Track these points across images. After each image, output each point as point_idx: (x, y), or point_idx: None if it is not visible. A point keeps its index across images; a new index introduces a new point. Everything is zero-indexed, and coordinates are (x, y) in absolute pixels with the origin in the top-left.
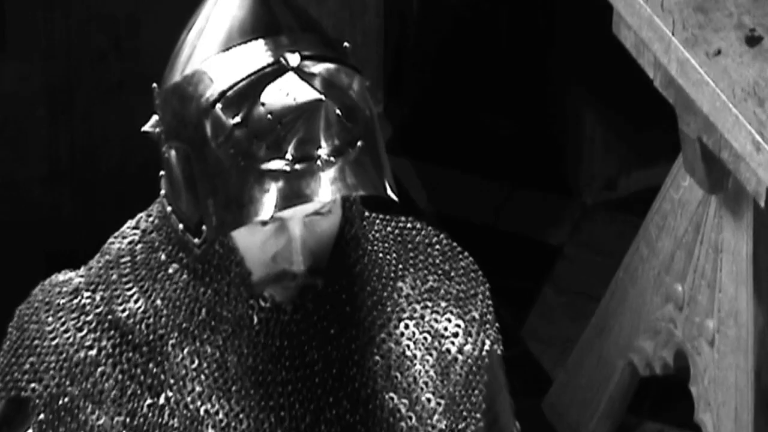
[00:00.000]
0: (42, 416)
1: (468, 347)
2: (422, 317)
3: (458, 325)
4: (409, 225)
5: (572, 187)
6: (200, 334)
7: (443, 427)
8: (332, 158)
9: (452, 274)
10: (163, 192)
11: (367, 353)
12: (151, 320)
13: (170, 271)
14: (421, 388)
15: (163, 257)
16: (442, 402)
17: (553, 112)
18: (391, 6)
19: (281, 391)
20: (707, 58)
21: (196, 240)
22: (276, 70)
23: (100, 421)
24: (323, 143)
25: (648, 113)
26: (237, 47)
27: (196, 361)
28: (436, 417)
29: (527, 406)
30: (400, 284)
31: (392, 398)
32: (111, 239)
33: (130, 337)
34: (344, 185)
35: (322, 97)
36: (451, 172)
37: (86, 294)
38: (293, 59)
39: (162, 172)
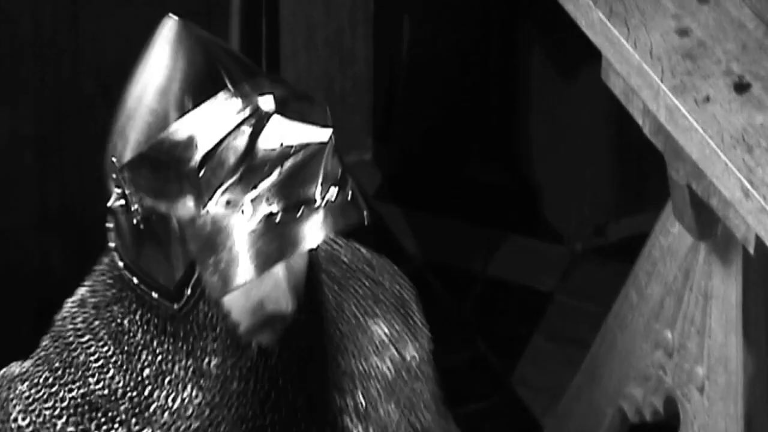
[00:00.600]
0: None
1: (407, 359)
2: (365, 331)
3: (392, 334)
4: (341, 246)
5: (562, 234)
6: (185, 393)
7: None
8: (336, 194)
9: (385, 283)
10: (120, 264)
11: (345, 384)
12: (135, 392)
13: (143, 340)
14: (379, 403)
15: (130, 327)
16: (394, 411)
17: (542, 160)
18: (380, 54)
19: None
20: (696, 105)
21: (175, 305)
22: (258, 119)
23: None
24: (324, 183)
25: (637, 160)
26: (202, 105)
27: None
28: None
29: None
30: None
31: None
32: (58, 320)
33: (114, 413)
34: (342, 219)
35: (329, 134)
36: (441, 219)
37: (52, 380)
38: (268, 103)
39: (112, 244)
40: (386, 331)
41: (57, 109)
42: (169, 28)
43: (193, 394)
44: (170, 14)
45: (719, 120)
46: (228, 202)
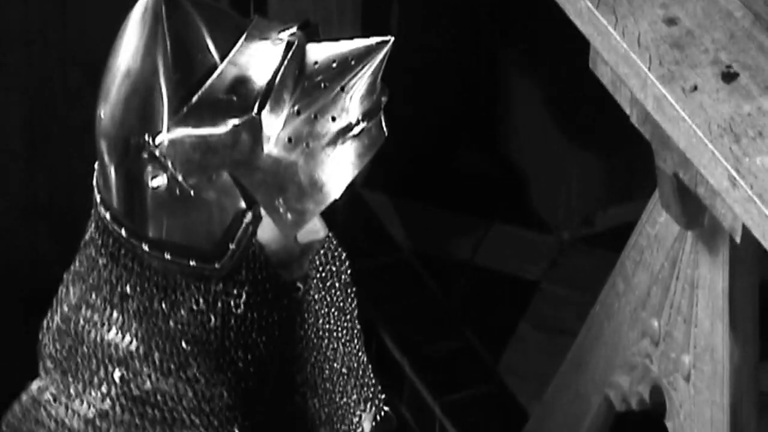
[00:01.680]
0: None
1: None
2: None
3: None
4: None
5: (549, 223)
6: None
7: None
8: (384, 101)
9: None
10: (145, 248)
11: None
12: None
13: (182, 314)
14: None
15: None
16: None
17: (530, 149)
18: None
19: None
20: (683, 95)
21: (216, 265)
22: (297, 50)
23: None
24: (379, 92)
25: (624, 149)
26: (229, 55)
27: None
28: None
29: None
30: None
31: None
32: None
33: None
34: (382, 133)
35: (387, 37)
36: (429, 208)
37: (74, 390)
38: (293, 31)
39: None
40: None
41: (45, 98)
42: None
43: (240, 360)
44: None
45: (706, 109)
46: (290, 139)
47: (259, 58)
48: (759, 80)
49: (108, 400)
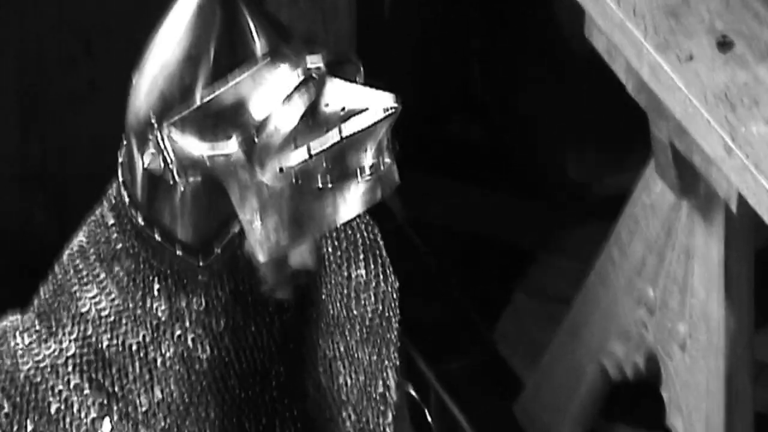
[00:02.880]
0: None
1: (378, 297)
2: (347, 278)
3: (368, 277)
4: None
5: (545, 191)
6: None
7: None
8: (387, 162)
9: (354, 224)
10: (140, 220)
11: (337, 332)
12: (149, 347)
13: (156, 294)
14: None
15: (141, 282)
16: (371, 353)
17: (526, 117)
18: (363, 9)
19: (274, 384)
20: (679, 63)
21: (200, 261)
22: (313, 83)
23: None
24: (379, 150)
25: (620, 118)
26: (249, 70)
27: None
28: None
29: (498, 410)
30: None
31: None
32: (58, 272)
33: (129, 368)
34: (387, 185)
35: (394, 100)
36: (423, 176)
37: (61, 334)
38: (317, 64)
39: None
40: (363, 274)
41: (39, 65)
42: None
43: (206, 348)
44: None
45: (702, 78)
46: (281, 169)
47: (275, 81)
48: (755, 49)
49: (66, 354)
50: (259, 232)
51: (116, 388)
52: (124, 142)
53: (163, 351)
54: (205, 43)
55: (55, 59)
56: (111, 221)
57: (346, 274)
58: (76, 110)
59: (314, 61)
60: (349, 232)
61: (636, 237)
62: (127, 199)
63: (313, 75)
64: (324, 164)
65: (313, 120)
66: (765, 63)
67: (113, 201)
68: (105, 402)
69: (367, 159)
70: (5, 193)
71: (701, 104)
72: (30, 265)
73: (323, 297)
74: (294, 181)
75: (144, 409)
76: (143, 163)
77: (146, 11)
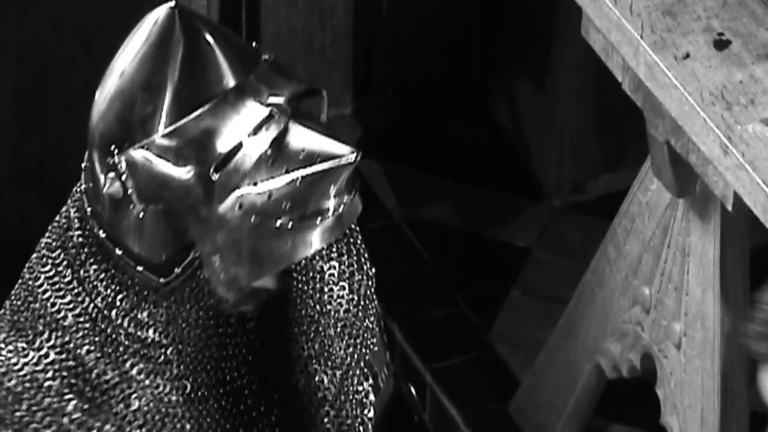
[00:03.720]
0: None
1: (353, 288)
2: (319, 271)
3: (342, 269)
4: None
5: (541, 190)
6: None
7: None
8: (348, 202)
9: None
10: (101, 234)
11: (311, 331)
12: (122, 355)
13: (121, 305)
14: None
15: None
16: (347, 346)
17: (522, 115)
18: (360, 7)
19: (247, 393)
20: (675, 62)
21: (161, 279)
22: (274, 124)
23: None
24: (339, 194)
25: (616, 117)
26: (212, 103)
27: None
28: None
29: (494, 409)
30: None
31: (318, 375)
32: (27, 278)
33: (106, 376)
34: (348, 221)
35: (354, 151)
36: (420, 174)
37: (39, 342)
38: (282, 104)
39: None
40: (336, 266)
41: (38, 64)
42: (163, 16)
43: (173, 359)
44: (165, 5)
45: (699, 77)
46: (240, 206)
47: (239, 115)
48: (751, 48)
49: (44, 362)
50: (217, 266)
51: (96, 393)
52: (87, 152)
53: (137, 359)
54: (166, 71)
55: (54, 59)
56: (76, 226)
57: (318, 268)
58: (74, 110)
59: (277, 99)
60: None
61: (632, 235)
62: (89, 210)
63: (276, 113)
64: (284, 205)
65: (274, 159)
66: (761, 62)
67: (77, 206)
68: (86, 407)
69: (328, 202)
70: (2, 193)
71: (697, 103)
72: (26, 263)
73: (294, 298)
74: (253, 219)
75: (121, 416)
76: (103, 186)
77: (145, 12)
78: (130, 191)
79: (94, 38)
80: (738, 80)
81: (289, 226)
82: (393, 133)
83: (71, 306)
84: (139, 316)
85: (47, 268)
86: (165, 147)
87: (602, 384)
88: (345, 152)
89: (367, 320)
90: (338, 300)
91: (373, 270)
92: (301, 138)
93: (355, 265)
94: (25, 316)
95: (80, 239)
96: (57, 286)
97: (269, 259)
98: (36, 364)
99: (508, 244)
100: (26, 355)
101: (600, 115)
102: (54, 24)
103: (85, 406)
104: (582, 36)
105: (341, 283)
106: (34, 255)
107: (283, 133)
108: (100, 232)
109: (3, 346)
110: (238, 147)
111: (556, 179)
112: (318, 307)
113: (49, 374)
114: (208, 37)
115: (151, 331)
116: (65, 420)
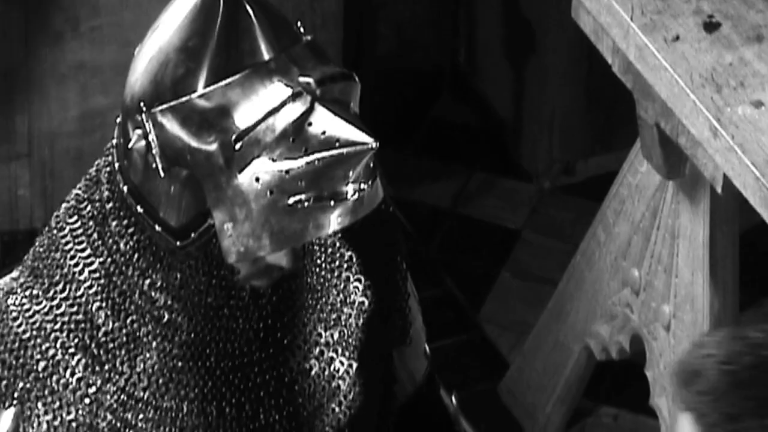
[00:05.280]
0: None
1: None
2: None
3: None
4: None
5: (530, 172)
6: (174, 322)
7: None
8: (362, 190)
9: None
10: (125, 189)
11: (331, 318)
12: (133, 315)
13: (138, 264)
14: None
15: (126, 250)
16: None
17: (512, 97)
18: None
19: (257, 370)
20: (665, 44)
21: (177, 243)
22: (299, 103)
23: (70, 416)
24: (356, 180)
25: (606, 99)
26: (239, 75)
27: (164, 359)
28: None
29: (483, 390)
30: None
31: (336, 360)
32: (52, 227)
33: (114, 334)
34: (364, 208)
35: (373, 139)
36: (409, 156)
37: (52, 292)
38: (311, 83)
39: (117, 164)
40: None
41: (26, 43)
42: None
43: (183, 325)
44: None
45: (688, 59)
46: (257, 179)
47: (266, 90)
48: (741, 30)
49: (55, 312)
50: (229, 235)
51: (101, 351)
52: (120, 111)
53: (146, 320)
54: (203, 37)
55: (42, 37)
56: (104, 180)
57: (347, 257)
58: (62, 88)
59: (306, 79)
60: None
61: (622, 218)
62: (117, 165)
63: (302, 92)
64: (300, 183)
65: (295, 138)
66: (751, 44)
67: (107, 161)
68: (90, 363)
69: (345, 186)
70: None
71: (687, 85)
72: (15, 243)
73: (315, 284)
74: (268, 193)
75: (126, 376)
76: (130, 142)
77: None
78: (154, 150)
79: (82, 15)
80: (728, 62)
81: (304, 205)
82: (383, 116)
83: (89, 260)
84: (153, 276)
85: (73, 219)
86: (191, 111)
87: (591, 366)
88: (365, 140)
89: (394, 315)
90: (364, 292)
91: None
92: (324, 121)
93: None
94: (44, 264)
95: (107, 193)
96: (79, 239)
97: (280, 235)
98: (46, 314)
99: (498, 225)
100: (39, 303)
101: (589, 97)
102: (42, 1)
103: (89, 362)
104: (572, 18)
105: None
106: (63, 204)
107: (307, 114)
108: (125, 188)
109: (20, 290)
110: (261, 120)
111: (545, 161)
112: (341, 296)
113: (58, 326)
114: (249, 9)
115: (163, 295)
116: (67, 373)
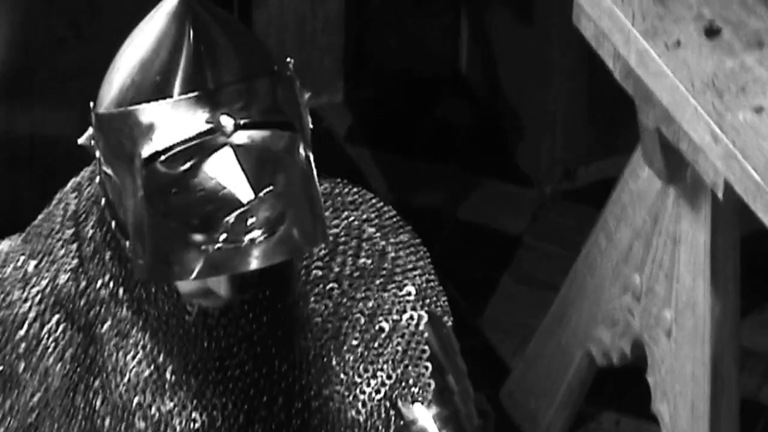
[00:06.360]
0: None
1: (402, 323)
2: (353, 297)
3: (392, 302)
4: (348, 198)
5: (531, 177)
6: (131, 327)
7: (386, 404)
8: (263, 237)
9: (388, 249)
10: (97, 181)
11: (297, 347)
12: (90, 298)
13: (106, 257)
14: (357, 371)
15: (100, 242)
16: (379, 381)
17: (513, 102)
18: None
19: (213, 390)
20: (666, 50)
21: (127, 243)
22: (212, 141)
23: (35, 397)
24: (253, 228)
25: (607, 104)
26: (174, 99)
27: (131, 352)
28: (376, 397)
29: (485, 395)
30: (332, 265)
31: (327, 387)
32: (56, 197)
33: (74, 316)
34: (272, 254)
35: (252, 197)
36: (411, 161)
37: (31, 263)
38: (229, 125)
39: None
40: (378, 302)
41: (28, 47)
42: (178, 3)
43: (137, 336)
44: None
45: (689, 65)
46: (164, 205)
47: (188, 121)
48: (742, 36)
49: (23, 281)
50: (128, 248)
51: (82, 323)
52: None
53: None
54: (155, 53)
55: (44, 40)
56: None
57: (358, 299)
58: (64, 92)
59: (228, 120)
60: (379, 258)
61: (623, 223)
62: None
63: (219, 132)
64: (191, 219)
65: (196, 172)
66: (752, 50)
67: None
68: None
69: (228, 228)
70: None
71: (688, 91)
72: None
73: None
74: (163, 215)
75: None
76: (80, 139)
77: None
78: (97, 153)
79: (85, 19)
80: (729, 68)
81: (198, 238)
82: (384, 120)
83: (71, 238)
84: (114, 277)
85: (74, 194)
86: (123, 120)
87: (593, 371)
88: (242, 195)
89: (413, 370)
90: (389, 335)
91: (449, 321)
92: (222, 163)
93: (417, 309)
94: (35, 232)
95: (98, 177)
96: (68, 216)
97: (178, 265)
98: (20, 280)
99: (499, 231)
100: (18, 268)
101: (591, 102)
102: (44, 5)
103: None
104: (573, 22)
105: (391, 320)
106: (73, 178)
107: (212, 151)
108: (97, 177)
109: (9, 254)
110: (171, 148)
111: (547, 166)
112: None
113: (28, 304)
114: (214, 34)
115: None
116: (31, 335)
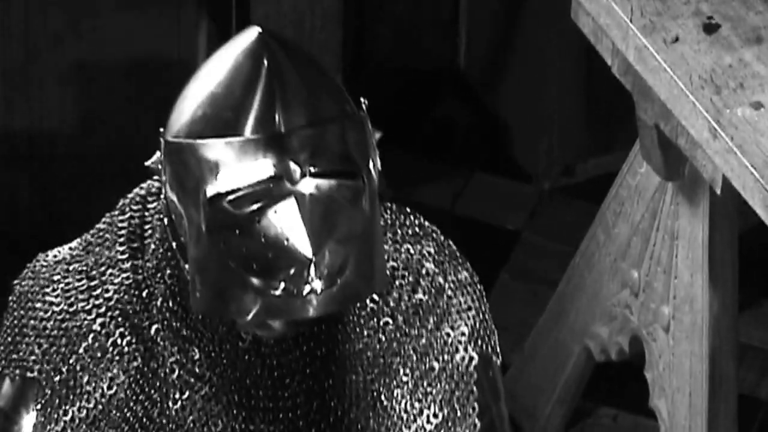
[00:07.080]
0: (47, 398)
1: (453, 363)
2: (407, 333)
3: (445, 341)
4: (408, 231)
5: (530, 173)
6: (190, 345)
7: None
8: (321, 290)
9: (445, 286)
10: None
11: (349, 382)
12: (152, 313)
13: (167, 274)
14: (404, 407)
15: (162, 258)
16: (425, 419)
17: (512, 97)
18: None
19: (263, 417)
20: (665, 45)
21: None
22: (278, 187)
23: (97, 409)
24: (313, 279)
25: (606, 100)
26: (243, 138)
27: (190, 369)
28: None
29: None
30: (388, 299)
31: (374, 421)
32: (118, 208)
33: (138, 329)
34: (331, 302)
35: (312, 255)
36: (409, 157)
37: (95, 274)
38: (296, 174)
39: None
40: (430, 340)
41: (25, 44)
42: (254, 39)
43: (197, 354)
44: (255, 26)
45: (688, 60)
46: (227, 246)
47: (254, 164)
48: (740, 31)
49: (86, 294)
50: (197, 283)
51: (145, 336)
52: None
53: (164, 327)
54: (229, 88)
55: (42, 37)
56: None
57: (413, 335)
58: (62, 89)
59: (294, 167)
60: (435, 296)
61: (621, 219)
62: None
63: (284, 179)
64: (252, 264)
65: (260, 219)
66: (750, 46)
67: None
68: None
69: (287, 277)
70: None
71: (686, 86)
72: (15, 245)
73: (351, 355)
74: (230, 261)
75: (170, 380)
76: (148, 161)
77: None
78: (164, 177)
79: (82, 16)
80: (727, 64)
81: (257, 284)
82: (383, 116)
83: (135, 254)
84: (172, 291)
85: (137, 207)
86: (191, 153)
87: (591, 367)
88: (302, 253)
89: (461, 409)
90: (439, 374)
91: (498, 361)
92: (285, 215)
93: (468, 350)
94: (97, 242)
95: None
96: (132, 228)
97: (234, 303)
98: (81, 292)
99: (497, 226)
100: (80, 280)
101: (589, 98)
102: (42, 2)
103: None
104: (571, 19)
105: (443, 359)
106: (140, 185)
107: (276, 201)
108: (162, 194)
109: (70, 262)
110: (236, 191)
111: (545, 162)
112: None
113: (89, 306)
114: (288, 75)
115: (180, 308)
116: (82, 351)
